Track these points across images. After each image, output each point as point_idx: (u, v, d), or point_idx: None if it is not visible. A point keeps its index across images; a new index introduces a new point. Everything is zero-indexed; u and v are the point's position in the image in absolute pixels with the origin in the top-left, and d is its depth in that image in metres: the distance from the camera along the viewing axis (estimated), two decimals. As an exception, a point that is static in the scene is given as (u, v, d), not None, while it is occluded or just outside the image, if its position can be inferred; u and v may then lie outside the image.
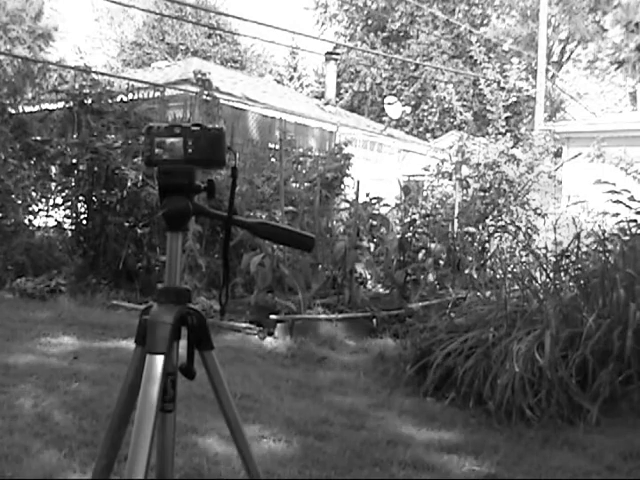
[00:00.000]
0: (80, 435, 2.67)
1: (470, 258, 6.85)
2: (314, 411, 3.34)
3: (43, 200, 7.89)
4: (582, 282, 4.33)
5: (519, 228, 7.42)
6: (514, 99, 10.87)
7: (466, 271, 6.60)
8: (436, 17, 24.84)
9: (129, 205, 7.08)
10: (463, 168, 8.13)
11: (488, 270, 6.55)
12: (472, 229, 7.10)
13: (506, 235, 7.32)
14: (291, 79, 29.28)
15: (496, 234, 7.30)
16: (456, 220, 7.18)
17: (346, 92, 25.62)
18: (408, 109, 19.85)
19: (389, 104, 16.67)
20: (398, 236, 6.73)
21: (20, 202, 7.74)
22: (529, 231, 7.48)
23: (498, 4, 27.42)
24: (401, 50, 25.39)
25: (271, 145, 10.48)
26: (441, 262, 6.76)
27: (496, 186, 7.77)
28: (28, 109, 8.65)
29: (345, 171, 7.78)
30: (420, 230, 6.79)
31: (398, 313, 5.56)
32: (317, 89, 26.52)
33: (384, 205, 7.19)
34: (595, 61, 28.27)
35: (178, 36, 27.10)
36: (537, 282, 4.50)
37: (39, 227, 7.92)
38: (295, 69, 29.84)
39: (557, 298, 4.13)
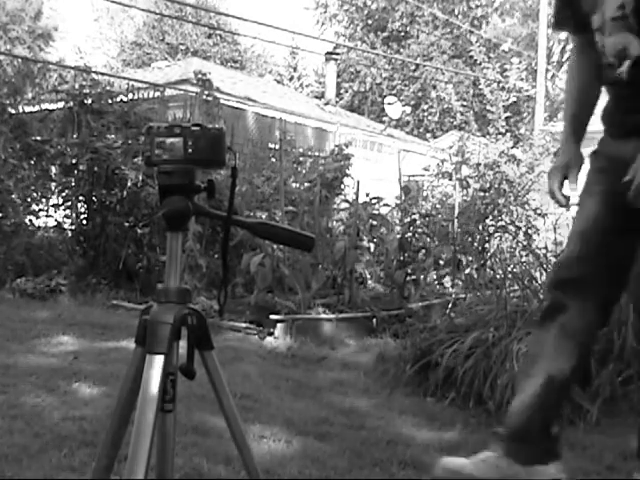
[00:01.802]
0: (80, 435, 2.67)
1: (470, 258, 6.85)
2: (314, 411, 3.34)
3: (43, 200, 7.89)
4: (582, 282, 4.32)
5: (519, 228, 7.41)
6: (514, 99, 10.90)
7: (466, 271, 6.60)
8: (436, 17, 24.86)
9: (129, 205, 7.08)
10: (463, 168, 8.13)
11: (488, 270, 6.55)
12: (472, 229, 7.11)
13: (506, 235, 7.32)
14: (291, 79, 29.30)
15: (496, 234, 7.30)
16: (456, 220, 7.18)
17: (346, 92, 25.62)
18: (408, 109, 19.86)
19: (389, 104, 16.68)
20: (398, 236, 6.73)
21: (20, 202, 7.74)
22: (529, 231, 7.48)
23: (499, 5, 27.43)
24: (401, 50, 25.39)
25: (271, 145, 10.48)
26: (441, 262, 6.76)
27: (496, 186, 7.77)
28: (28, 109, 8.65)
29: (345, 171, 7.77)
30: (420, 230, 6.79)
31: (398, 313, 5.56)
32: (317, 89, 26.53)
33: (384, 205, 7.19)
34: (595, 61, 28.22)
35: (178, 36, 27.11)
36: (537, 282, 4.50)
37: (39, 227, 7.92)
38: (295, 69, 29.85)
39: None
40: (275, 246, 5.68)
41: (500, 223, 7.43)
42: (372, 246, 7.10)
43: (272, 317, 5.22)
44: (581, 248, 2.15)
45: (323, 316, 5.43)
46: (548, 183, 2.29)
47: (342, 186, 7.78)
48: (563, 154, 2.28)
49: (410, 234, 6.70)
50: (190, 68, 11.64)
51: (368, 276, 6.84)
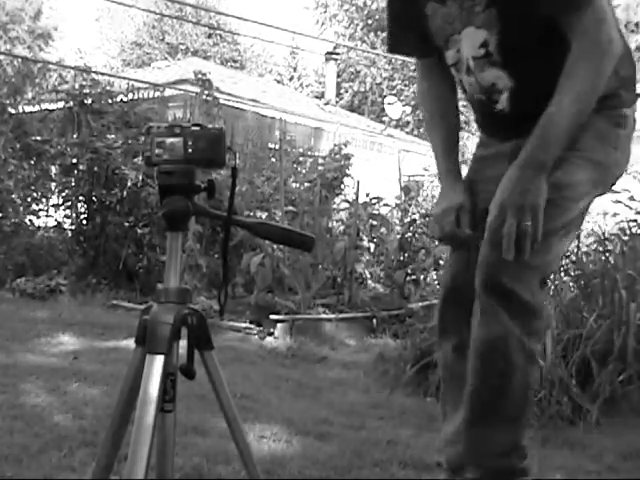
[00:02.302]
0: (80, 435, 2.66)
1: (470, 258, 6.84)
2: (314, 411, 3.34)
3: (43, 200, 7.90)
4: (582, 282, 4.33)
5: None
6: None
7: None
8: (436, 17, 24.84)
9: (129, 205, 7.09)
10: (463, 168, 8.12)
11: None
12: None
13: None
14: (291, 79, 29.30)
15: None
16: (456, 220, 7.17)
17: (346, 92, 25.63)
18: (408, 109, 19.85)
19: (389, 104, 16.67)
20: (398, 236, 6.73)
21: (20, 202, 7.74)
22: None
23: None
24: (401, 50, 25.36)
25: (271, 145, 10.48)
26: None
27: (496, 186, 7.75)
28: (28, 109, 8.65)
29: (345, 171, 7.78)
30: (420, 230, 6.79)
31: (398, 313, 5.56)
32: (317, 89, 26.53)
33: (384, 205, 7.20)
34: (595, 61, 28.26)
35: (178, 36, 27.13)
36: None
37: (39, 227, 7.93)
38: (295, 69, 29.85)
39: (557, 298, 4.12)
40: (275, 246, 5.68)
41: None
42: (372, 246, 7.10)
43: (272, 317, 5.22)
44: (454, 261, 2.04)
45: (323, 316, 5.44)
46: (439, 227, 1.97)
47: (342, 186, 7.79)
48: (450, 192, 1.98)
49: (410, 234, 6.70)
50: (190, 68, 11.62)
51: (368, 276, 6.84)
